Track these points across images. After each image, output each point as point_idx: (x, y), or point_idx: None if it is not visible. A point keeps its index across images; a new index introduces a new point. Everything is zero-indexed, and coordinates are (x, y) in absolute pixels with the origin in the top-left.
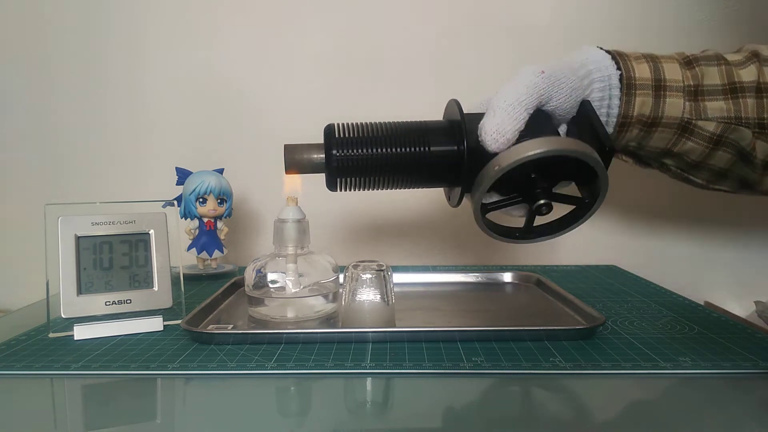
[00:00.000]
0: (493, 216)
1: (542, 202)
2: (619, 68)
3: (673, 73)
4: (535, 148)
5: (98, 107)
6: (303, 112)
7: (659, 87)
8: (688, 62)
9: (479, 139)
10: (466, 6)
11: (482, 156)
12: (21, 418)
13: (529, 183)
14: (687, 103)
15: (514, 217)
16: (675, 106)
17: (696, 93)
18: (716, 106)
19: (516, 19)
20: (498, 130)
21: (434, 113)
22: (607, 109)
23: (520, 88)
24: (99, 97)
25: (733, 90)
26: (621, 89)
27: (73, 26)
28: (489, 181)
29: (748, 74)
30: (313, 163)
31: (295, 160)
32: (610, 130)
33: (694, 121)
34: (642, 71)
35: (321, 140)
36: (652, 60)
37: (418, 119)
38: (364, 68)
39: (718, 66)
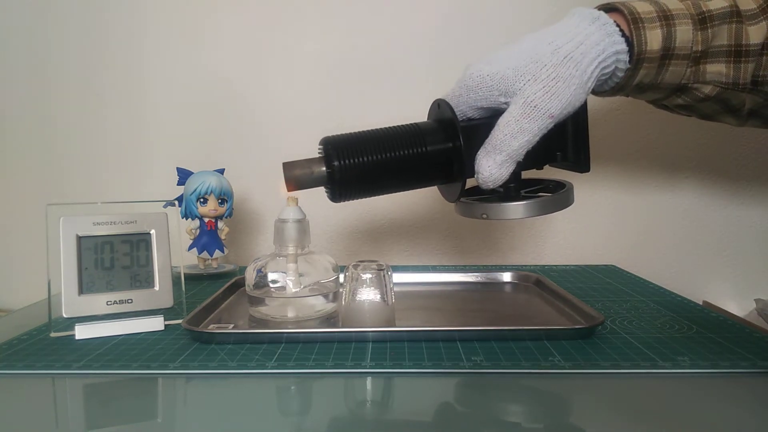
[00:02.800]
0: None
1: (512, 185)
2: (629, 43)
3: (684, 40)
4: (520, 213)
5: (99, 107)
6: (303, 112)
7: (666, 56)
8: (702, 21)
9: (475, 170)
10: (466, 6)
11: (475, 149)
12: (22, 417)
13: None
14: (688, 70)
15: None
16: (676, 74)
17: (700, 58)
18: (715, 69)
19: (515, 19)
20: (494, 180)
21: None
22: (608, 77)
23: (528, 135)
24: (100, 98)
25: (737, 53)
26: (629, 60)
27: (73, 26)
28: (471, 216)
29: (756, 33)
30: (315, 178)
31: (296, 177)
32: (621, 73)
33: (690, 84)
34: (653, 42)
35: (317, 148)
36: (667, 23)
37: (416, 120)
38: (363, 68)
39: (728, 24)
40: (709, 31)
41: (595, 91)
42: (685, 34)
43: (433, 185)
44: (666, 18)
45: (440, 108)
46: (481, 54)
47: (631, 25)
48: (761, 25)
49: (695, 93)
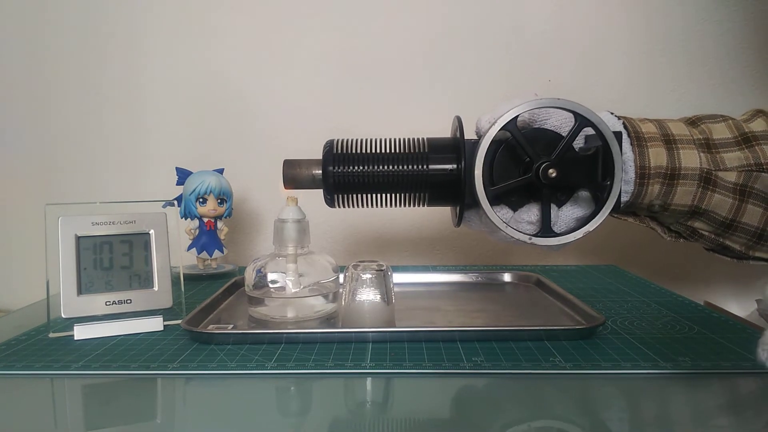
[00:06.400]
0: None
1: (546, 163)
2: (620, 119)
3: (679, 129)
4: (520, 108)
5: (98, 107)
6: (302, 113)
7: (669, 140)
8: (692, 122)
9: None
10: (468, 6)
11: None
12: (21, 418)
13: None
14: (702, 155)
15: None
16: (690, 157)
17: (708, 146)
18: (733, 156)
19: (516, 19)
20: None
21: (434, 113)
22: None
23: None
24: (99, 98)
25: (746, 140)
26: (630, 141)
27: (72, 26)
28: (488, 140)
29: (757, 126)
30: (311, 179)
31: (294, 176)
32: (629, 186)
33: (714, 172)
34: (648, 127)
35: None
36: (656, 120)
37: (419, 121)
38: (363, 68)
39: (724, 122)
40: (702, 126)
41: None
42: (678, 126)
43: (437, 206)
44: (656, 120)
45: (457, 124)
46: (478, 55)
47: (620, 117)
48: (759, 121)
49: (724, 183)
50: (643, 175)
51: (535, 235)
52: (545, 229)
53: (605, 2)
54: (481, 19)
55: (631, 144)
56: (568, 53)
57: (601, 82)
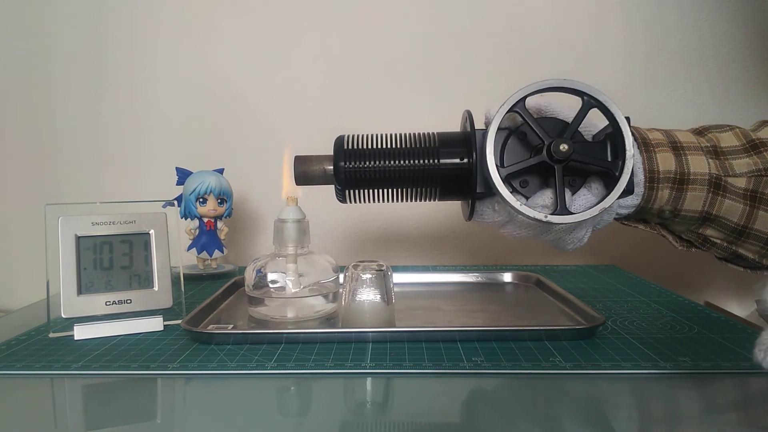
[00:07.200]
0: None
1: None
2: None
3: (686, 137)
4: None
5: (99, 107)
6: (303, 112)
7: (676, 147)
8: (699, 132)
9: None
10: (468, 6)
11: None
12: (21, 418)
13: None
14: (711, 161)
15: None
16: (699, 162)
17: (716, 153)
18: (742, 163)
19: (516, 19)
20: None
21: (434, 113)
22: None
23: None
24: (99, 97)
25: (754, 146)
26: (638, 146)
27: (72, 26)
28: (496, 121)
29: (764, 133)
30: (323, 175)
31: (306, 172)
32: (639, 189)
33: (724, 177)
34: (654, 135)
35: (328, 148)
36: (664, 129)
37: (418, 121)
38: (363, 68)
39: (731, 131)
40: (709, 135)
41: (619, 215)
42: (685, 135)
43: (448, 200)
44: (663, 129)
45: (467, 120)
46: (478, 54)
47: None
48: (766, 130)
49: (734, 189)
50: (652, 179)
51: (552, 213)
52: (561, 207)
53: (604, 2)
54: (481, 19)
55: (639, 148)
56: (568, 53)
57: (601, 82)
